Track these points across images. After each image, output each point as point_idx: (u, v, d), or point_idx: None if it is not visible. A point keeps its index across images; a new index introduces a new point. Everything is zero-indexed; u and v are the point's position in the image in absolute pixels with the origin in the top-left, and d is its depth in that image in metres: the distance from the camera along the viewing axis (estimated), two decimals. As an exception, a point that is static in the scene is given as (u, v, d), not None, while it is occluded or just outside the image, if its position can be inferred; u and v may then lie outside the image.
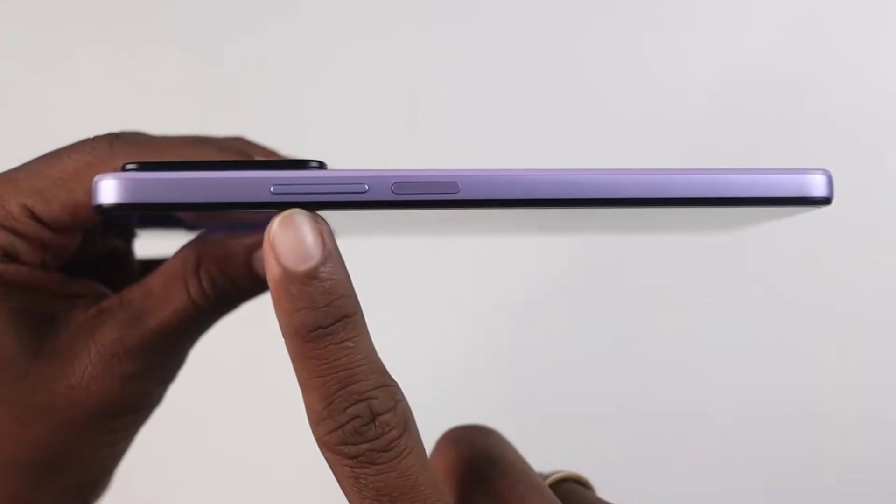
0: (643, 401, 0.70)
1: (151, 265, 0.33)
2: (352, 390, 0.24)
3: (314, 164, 0.25)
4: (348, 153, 0.66)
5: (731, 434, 0.70)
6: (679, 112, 0.70)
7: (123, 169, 0.24)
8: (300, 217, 0.24)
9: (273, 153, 0.32)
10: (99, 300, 0.30)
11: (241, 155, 0.30)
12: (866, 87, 0.69)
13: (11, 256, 0.29)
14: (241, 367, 0.68)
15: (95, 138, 0.29)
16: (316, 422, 0.24)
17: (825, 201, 0.26)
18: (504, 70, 0.71)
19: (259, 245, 0.30)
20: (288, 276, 0.23)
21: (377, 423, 0.24)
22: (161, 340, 0.30)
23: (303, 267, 0.23)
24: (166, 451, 0.66)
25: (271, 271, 0.24)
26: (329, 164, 0.27)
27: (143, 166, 0.24)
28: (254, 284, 0.31)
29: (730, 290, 0.70)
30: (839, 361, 0.69)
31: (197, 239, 0.31)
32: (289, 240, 0.23)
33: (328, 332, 0.24)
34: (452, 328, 0.70)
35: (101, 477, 0.32)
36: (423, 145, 0.69)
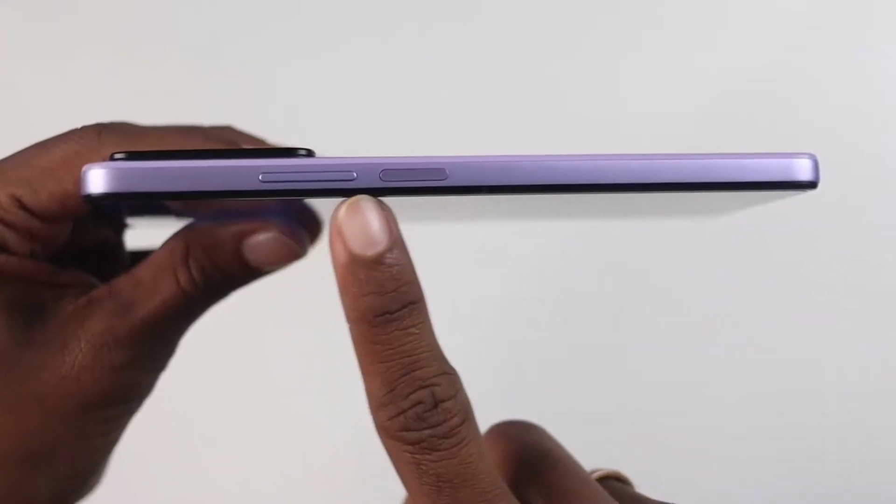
0: (642, 401, 0.70)
1: (142, 256, 0.33)
2: (416, 376, 0.24)
3: (302, 152, 0.25)
4: (346, 153, 0.66)
5: (730, 436, 0.69)
6: (675, 110, 0.70)
7: (112, 158, 0.24)
8: (367, 203, 0.24)
9: (261, 142, 0.32)
10: (88, 290, 0.30)
11: (228, 144, 0.30)
12: (866, 88, 0.69)
13: (0, 246, 0.29)
14: (239, 364, 0.68)
15: (83, 128, 0.29)
16: (377, 407, 0.25)
17: (811, 185, 0.26)
18: (498, 65, 0.71)
19: (248, 233, 0.30)
20: (356, 260, 0.24)
21: (440, 410, 0.24)
22: (151, 330, 0.30)
23: (370, 252, 0.24)
24: (163, 447, 0.66)
25: (338, 256, 0.24)
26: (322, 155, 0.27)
27: (132, 155, 0.25)
28: (243, 272, 0.31)
29: (730, 290, 0.70)
30: (841, 362, 0.69)
31: (186, 228, 0.31)
32: (356, 225, 0.24)
33: (395, 318, 0.24)
34: (447, 329, 0.69)
35: (93, 467, 0.32)
36: (416, 138, 0.69)
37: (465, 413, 0.25)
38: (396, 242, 0.24)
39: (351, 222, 0.24)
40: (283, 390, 0.68)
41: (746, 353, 0.69)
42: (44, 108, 0.70)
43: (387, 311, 0.24)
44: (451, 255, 0.67)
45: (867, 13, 0.69)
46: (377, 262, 0.24)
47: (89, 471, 0.32)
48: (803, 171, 0.26)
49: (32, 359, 0.29)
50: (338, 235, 0.24)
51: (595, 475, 0.29)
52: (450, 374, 0.25)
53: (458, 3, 0.71)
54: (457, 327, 0.69)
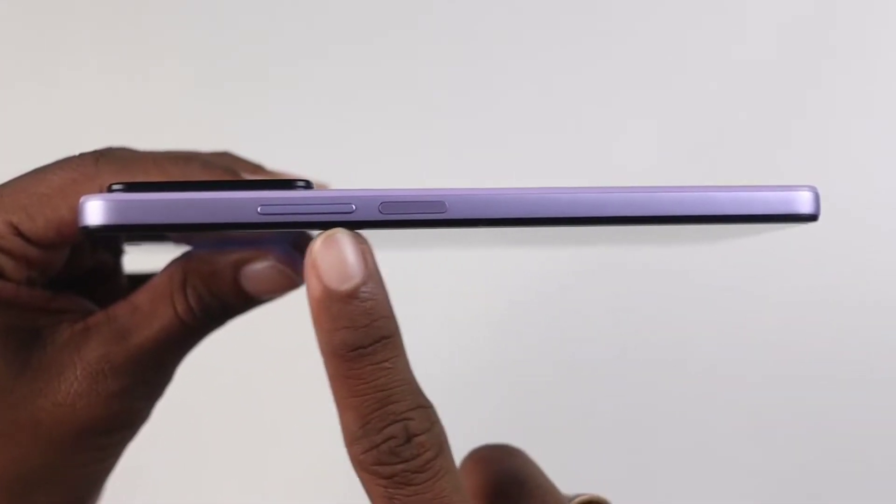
0: (638, 410, 0.70)
1: (139, 280, 0.33)
2: (389, 410, 0.24)
3: (301, 184, 0.25)
4: (342, 164, 0.66)
5: (729, 443, 0.69)
6: (676, 122, 0.70)
7: (110, 189, 0.24)
8: (342, 236, 0.24)
9: (259, 168, 0.32)
10: (85, 316, 0.30)
11: (226, 171, 0.30)
12: (866, 93, 0.69)
13: None
14: (236, 364, 0.68)
15: (81, 155, 0.29)
16: (351, 441, 0.25)
17: (812, 218, 0.26)
18: (493, 88, 0.71)
19: (245, 261, 0.30)
20: (329, 295, 0.23)
21: (413, 444, 0.24)
22: (147, 357, 0.30)
23: (344, 286, 0.23)
24: (159, 447, 0.66)
25: (312, 290, 0.24)
26: (319, 179, 0.27)
27: (129, 187, 0.24)
28: (240, 301, 0.30)
29: (727, 296, 0.69)
30: (842, 372, 0.69)
31: (184, 255, 0.30)
32: (331, 259, 0.24)
33: (368, 353, 0.24)
34: (438, 339, 0.69)
35: (88, 493, 0.32)
36: (412, 163, 0.69)
37: (440, 446, 0.25)
38: (371, 276, 0.24)
39: (326, 256, 0.24)
40: (279, 390, 0.68)
41: (748, 360, 0.69)
42: (41, 115, 0.70)
43: (360, 345, 0.24)
44: (438, 265, 0.67)
45: (868, 19, 0.69)
46: (351, 296, 0.23)
47: (84, 497, 0.32)
48: (804, 205, 0.26)
49: (28, 385, 0.29)
50: (312, 269, 0.24)
51: (577, 500, 0.29)
52: (425, 408, 0.25)
53: (452, 19, 0.71)
54: (443, 339, 0.70)
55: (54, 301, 0.30)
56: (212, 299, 0.30)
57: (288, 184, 0.25)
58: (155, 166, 0.29)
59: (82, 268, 0.32)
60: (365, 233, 0.25)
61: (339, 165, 0.63)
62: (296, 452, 0.69)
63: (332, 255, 0.24)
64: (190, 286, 0.30)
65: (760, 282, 0.69)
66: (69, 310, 0.30)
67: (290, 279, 0.30)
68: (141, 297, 0.30)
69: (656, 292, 0.70)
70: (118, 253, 0.34)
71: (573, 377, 0.70)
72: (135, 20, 0.71)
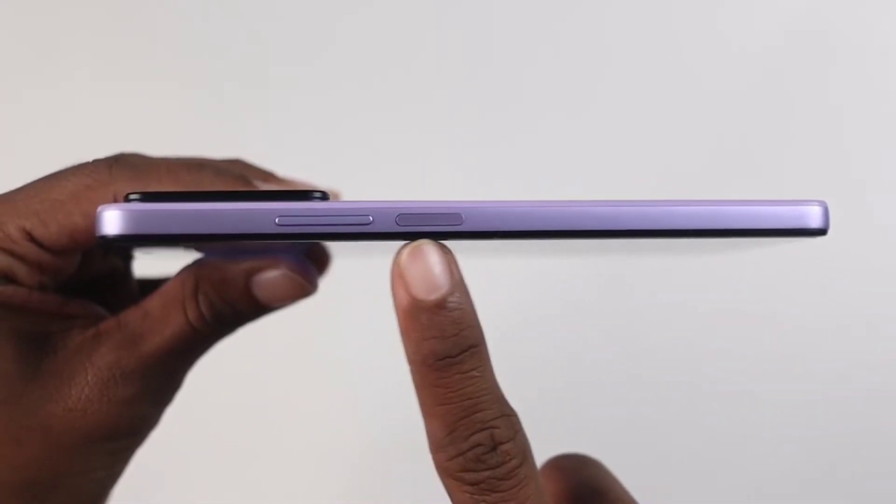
0: (641, 415, 0.70)
1: (150, 284, 0.33)
2: (475, 419, 0.25)
3: (317, 195, 0.25)
4: (348, 171, 0.66)
5: (731, 449, 0.70)
6: (681, 130, 0.70)
7: (127, 199, 0.24)
8: (429, 247, 0.24)
9: (270, 175, 0.32)
10: (96, 321, 0.30)
11: (239, 178, 0.30)
12: (868, 99, 0.70)
13: (9, 278, 0.29)
14: (237, 363, 0.68)
15: (95, 161, 0.29)
16: (437, 448, 0.25)
17: (821, 232, 0.26)
18: (507, 99, 0.71)
19: (257, 270, 0.30)
20: (417, 305, 0.24)
21: (498, 452, 0.25)
22: (158, 363, 0.30)
23: (433, 297, 0.24)
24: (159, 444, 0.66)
25: (400, 301, 0.24)
26: (330, 186, 0.27)
27: (147, 197, 0.24)
28: (252, 308, 0.31)
29: (730, 304, 0.70)
30: (843, 376, 0.69)
31: (195, 262, 0.30)
32: (418, 270, 0.24)
33: (456, 362, 0.24)
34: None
35: (95, 499, 0.32)
36: (427, 174, 0.69)
37: (524, 454, 0.25)
38: (458, 286, 0.24)
39: (413, 267, 0.24)
40: (281, 393, 0.68)
41: (751, 367, 0.70)
42: (41, 121, 0.70)
43: (448, 355, 0.24)
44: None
45: (870, 17, 0.70)
46: (439, 306, 0.24)
47: (91, 502, 0.32)
48: (814, 219, 0.26)
49: (39, 390, 0.29)
50: (399, 280, 0.24)
51: None
52: (509, 416, 0.25)
53: (463, 30, 0.71)
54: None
55: (66, 306, 0.30)
56: (223, 306, 0.30)
57: (305, 195, 0.25)
58: (168, 174, 0.29)
59: (93, 273, 0.32)
60: (380, 243, 0.25)
61: (338, 167, 0.63)
62: (298, 454, 0.69)
63: (419, 266, 0.24)
64: (202, 293, 0.30)
65: (764, 290, 0.69)
66: (80, 315, 0.30)
67: (302, 287, 0.30)
68: (152, 303, 0.30)
69: (663, 302, 0.70)
70: (128, 258, 0.34)
71: (580, 385, 0.70)
72: (135, 21, 0.71)
